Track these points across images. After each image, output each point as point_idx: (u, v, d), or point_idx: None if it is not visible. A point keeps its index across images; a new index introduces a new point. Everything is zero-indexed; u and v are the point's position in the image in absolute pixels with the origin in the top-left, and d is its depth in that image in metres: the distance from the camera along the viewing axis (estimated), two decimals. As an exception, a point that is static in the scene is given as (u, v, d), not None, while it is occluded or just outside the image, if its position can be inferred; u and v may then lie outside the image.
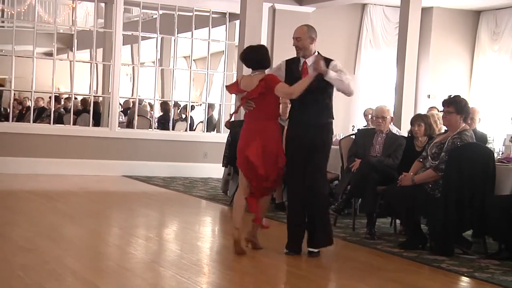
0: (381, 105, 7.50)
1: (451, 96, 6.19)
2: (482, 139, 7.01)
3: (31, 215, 7.31)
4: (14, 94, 13.39)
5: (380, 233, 6.86)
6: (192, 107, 14.73)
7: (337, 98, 13.31)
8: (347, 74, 5.68)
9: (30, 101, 13.95)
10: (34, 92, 11.91)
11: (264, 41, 11.91)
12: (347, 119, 13.07)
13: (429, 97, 13.26)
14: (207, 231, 7.32)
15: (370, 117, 9.15)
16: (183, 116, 14.95)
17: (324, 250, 5.85)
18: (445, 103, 6.17)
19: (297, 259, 5.60)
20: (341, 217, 7.40)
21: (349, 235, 6.76)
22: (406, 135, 7.81)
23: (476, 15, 13.53)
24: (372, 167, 6.81)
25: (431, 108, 9.29)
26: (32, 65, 11.38)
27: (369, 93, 13.64)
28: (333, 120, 5.79)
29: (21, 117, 14.87)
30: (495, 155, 6.37)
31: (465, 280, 5.24)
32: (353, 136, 7.71)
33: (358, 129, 8.79)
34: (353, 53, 13.63)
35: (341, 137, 8.10)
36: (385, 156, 7.07)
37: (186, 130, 13.10)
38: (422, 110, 10.72)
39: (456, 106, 6.09)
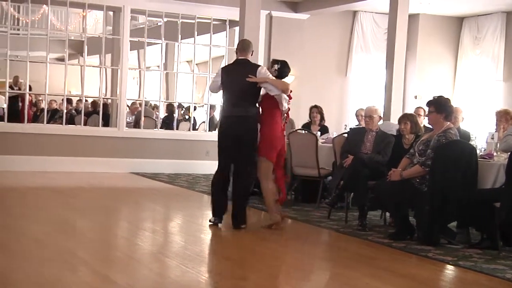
0: (370, 106, 7.51)
1: (434, 97, 6.22)
2: (465, 136, 7.01)
3: (45, 210, 7.31)
4: (30, 97, 13.34)
5: (371, 225, 6.86)
6: (195, 108, 14.72)
7: (331, 100, 13.30)
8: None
9: (44, 103, 13.94)
10: (48, 95, 11.89)
11: (261, 46, 11.92)
12: (339, 118, 13.08)
13: (416, 98, 13.27)
14: (211, 224, 7.30)
15: (362, 117, 9.16)
16: (187, 116, 14.93)
17: (318, 242, 5.85)
18: (427, 103, 6.22)
19: (295, 251, 5.59)
20: (335, 210, 7.39)
21: (342, 227, 6.76)
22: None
23: (459, 21, 13.53)
24: (363, 163, 6.81)
25: (418, 108, 9.30)
26: (46, 70, 11.37)
27: (360, 94, 13.65)
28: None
29: (35, 118, 14.85)
30: (478, 151, 6.37)
31: (450, 268, 5.24)
32: (346, 135, 7.71)
33: (350, 128, 8.80)
34: (345, 57, 13.63)
35: (334, 136, 8.11)
36: (375, 153, 7.07)
37: (189, 130, 13.10)
38: (410, 110, 10.72)
39: (435, 105, 6.10)
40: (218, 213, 6.47)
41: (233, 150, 6.36)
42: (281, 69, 6.59)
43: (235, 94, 6.42)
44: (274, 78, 6.42)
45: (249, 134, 6.34)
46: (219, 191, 6.45)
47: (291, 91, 6.51)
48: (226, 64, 6.84)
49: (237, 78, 6.40)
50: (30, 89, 12.99)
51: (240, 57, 6.56)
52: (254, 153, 6.37)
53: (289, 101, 6.52)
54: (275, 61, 6.70)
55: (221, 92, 6.71)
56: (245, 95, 6.38)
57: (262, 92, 6.49)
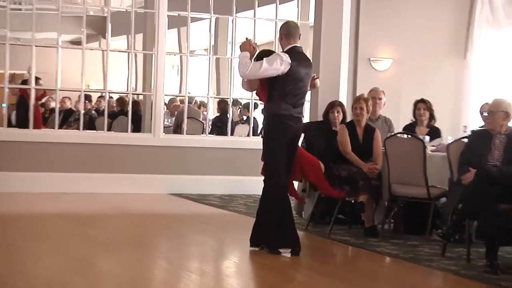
0: (497, 98, 7.38)
1: None
2: None
3: (58, 244, 7.46)
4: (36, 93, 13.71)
5: (504, 266, 6.73)
6: (256, 106, 14.82)
7: (443, 92, 13.12)
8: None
9: (54, 101, 14.30)
10: (60, 90, 12.17)
11: (346, 20, 11.88)
12: (456, 117, 12.88)
13: None
14: (276, 263, 7.29)
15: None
16: (245, 117, 15.04)
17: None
18: None
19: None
20: (452, 244, 7.30)
21: (462, 268, 6.67)
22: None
23: None
24: (491, 179, 6.71)
25: None
26: (57, 56, 11.64)
27: (485, 84, 13.41)
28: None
29: (43, 121, 15.22)
30: None
31: None
32: (465, 140, 7.61)
33: (471, 131, 8.67)
34: (464, 32, 13.42)
35: (449, 141, 8.01)
36: (507, 163, 6.95)
37: (248, 135, 13.16)
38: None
39: None
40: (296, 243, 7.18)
41: (286, 157, 7.18)
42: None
43: (302, 92, 7.22)
44: None
45: (299, 138, 7.58)
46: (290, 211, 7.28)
47: None
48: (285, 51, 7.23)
49: (307, 72, 7.20)
50: (37, 81, 13.38)
51: (296, 45, 7.18)
52: None
53: None
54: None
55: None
56: (306, 93, 7.37)
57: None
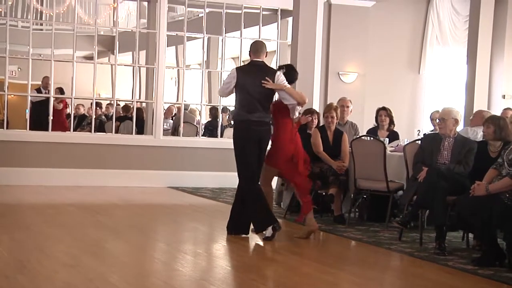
0: (446, 107, 7.43)
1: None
2: None
3: (73, 229, 7.45)
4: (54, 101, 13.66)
5: (451, 248, 6.77)
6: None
7: (401, 101, 13.19)
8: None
9: (70, 108, 14.26)
10: (74, 98, 12.14)
11: (319, 40, 11.92)
12: (411, 123, 12.95)
13: (504, 98, 13.02)
14: (259, 246, 7.32)
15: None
16: (232, 122, 15.03)
17: (388, 267, 5.79)
18: None
19: (360, 278, 5.56)
20: (407, 230, 7.34)
21: (416, 251, 6.69)
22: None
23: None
24: (441, 175, 6.74)
25: (506, 109, 9.14)
26: (72, 69, 11.62)
27: (436, 94, 13.49)
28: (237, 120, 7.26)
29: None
30: None
31: (548, 301, 5.12)
32: (419, 142, 7.64)
33: (424, 134, 8.71)
34: (418, 50, 13.49)
35: (406, 143, 8.04)
36: (455, 162, 6.98)
37: (235, 137, 13.15)
38: (497, 112, 10.53)
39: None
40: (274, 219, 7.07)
41: (255, 156, 7.03)
42: (288, 73, 7.22)
43: (253, 98, 7.00)
44: (289, 86, 7.07)
45: (267, 140, 7.14)
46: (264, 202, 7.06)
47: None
48: (241, 65, 7.51)
49: (256, 81, 6.97)
50: (62, 92, 13.44)
51: (255, 59, 7.12)
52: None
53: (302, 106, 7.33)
54: (280, 67, 7.44)
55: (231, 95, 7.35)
56: (263, 99, 7.02)
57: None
